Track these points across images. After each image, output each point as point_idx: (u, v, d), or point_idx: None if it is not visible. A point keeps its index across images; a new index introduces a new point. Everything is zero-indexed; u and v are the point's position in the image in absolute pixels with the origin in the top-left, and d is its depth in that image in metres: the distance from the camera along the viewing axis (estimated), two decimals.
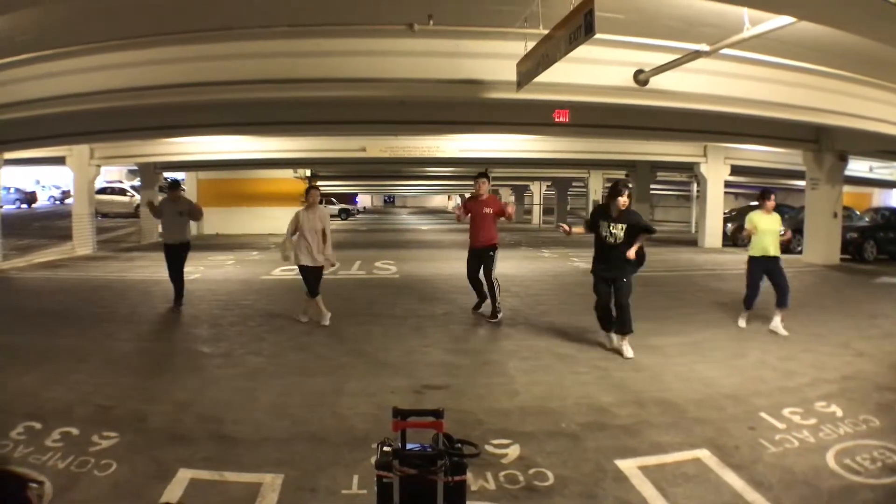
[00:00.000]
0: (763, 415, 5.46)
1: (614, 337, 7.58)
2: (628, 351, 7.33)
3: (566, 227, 8.13)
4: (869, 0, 5.86)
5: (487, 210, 9.32)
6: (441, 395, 5.91)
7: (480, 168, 30.74)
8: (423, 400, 5.77)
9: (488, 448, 4.69)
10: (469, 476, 3.25)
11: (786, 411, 5.53)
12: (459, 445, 3.06)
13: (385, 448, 3.02)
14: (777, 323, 8.55)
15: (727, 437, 4.97)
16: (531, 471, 4.38)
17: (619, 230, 7.24)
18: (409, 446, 3.00)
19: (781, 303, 8.59)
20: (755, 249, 8.69)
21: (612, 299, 7.43)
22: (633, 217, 7.38)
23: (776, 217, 8.79)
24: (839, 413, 5.50)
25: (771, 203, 8.73)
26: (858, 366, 7.06)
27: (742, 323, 8.94)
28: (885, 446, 4.78)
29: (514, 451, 4.71)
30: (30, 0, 7.56)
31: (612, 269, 7.37)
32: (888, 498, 4.06)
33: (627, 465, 4.45)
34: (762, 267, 8.66)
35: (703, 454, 4.64)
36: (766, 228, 8.58)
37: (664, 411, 5.58)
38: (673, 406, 5.70)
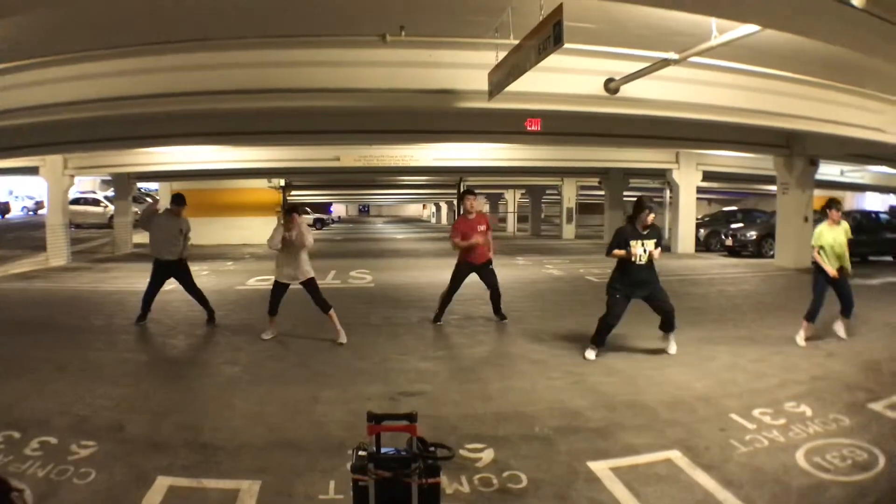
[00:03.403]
0: (734, 416, 5.55)
1: (591, 352, 7.52)
2: (673, 347, 7.66)
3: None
4: (830, 7, 5.95)
5: (481, 227, 9.37)
6: (416, 402, 5.95)
7: (454, 177, 30.98)
8: (399, 406, 5.79)
9: (463, 452, 4.74)
10: (444, 479, 3.31)
11: (756, 412, 5.63)
12: (433, 448, 3.11)
13: (360, 452, 3.06)
14: (839, 325, 8.49)
15: (698, 438, 5.05)
16: (505, 474, 4.44)
17: (651, 246, 7.30)
18: (383, 450, 3.05)
19: (844, 313, 8.47)
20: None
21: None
22: (659, 231, 7.49)
23: (844, 227, 8.29)
24: (809, 413, 5.61)
25: (836, 214, 8.26)
26: (829, 366, 7.19)
27: (800, 340, 8.18)
28: (854, 444, 4.88)
29: (488, 455, 4.76)
30: (4, 10, 7.51)
31: (644, 286, 7.43)
32: (857, 495, 4.15)
33: (600, 467, 4.52)
34: (827, 277, 8.20)
35: (675, 455, 4.72)
36: (833, 242, 8.17)
37: (636, 414, 5.67)
38: (645, 409, 5.79)
